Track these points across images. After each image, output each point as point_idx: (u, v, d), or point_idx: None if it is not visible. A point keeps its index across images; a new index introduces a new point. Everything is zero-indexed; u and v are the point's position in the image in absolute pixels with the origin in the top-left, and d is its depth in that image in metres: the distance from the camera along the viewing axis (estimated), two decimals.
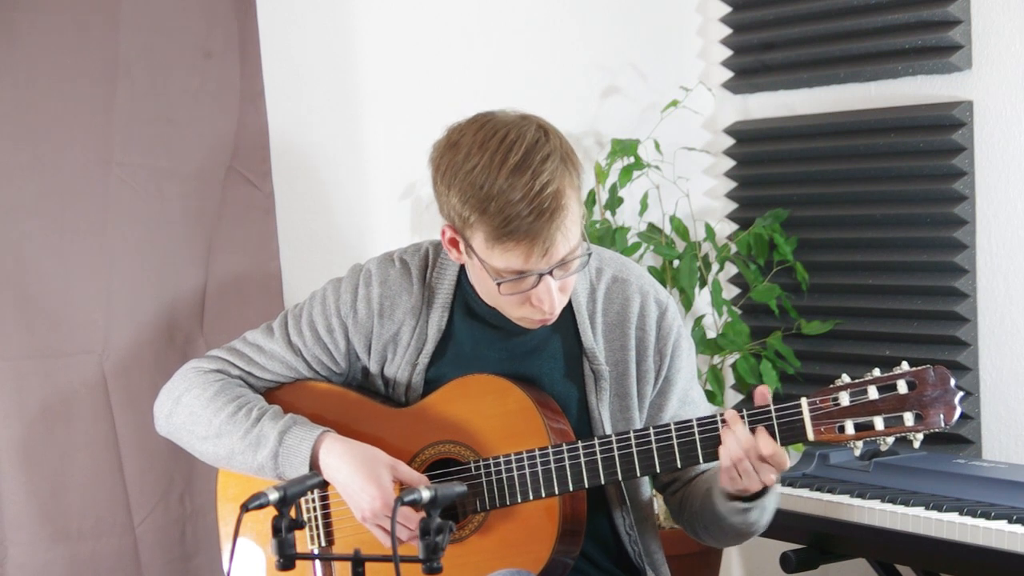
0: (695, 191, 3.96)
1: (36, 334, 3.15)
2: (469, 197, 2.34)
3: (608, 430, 2.53)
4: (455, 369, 2.56)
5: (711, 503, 2.46)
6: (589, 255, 2.43)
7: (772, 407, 2.36)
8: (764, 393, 2.40)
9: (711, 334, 3.86)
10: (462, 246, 2.43)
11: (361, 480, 2.45)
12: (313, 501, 2.61)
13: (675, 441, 2.40)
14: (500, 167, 2.33)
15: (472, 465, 2.50)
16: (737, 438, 2.35)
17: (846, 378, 2.35)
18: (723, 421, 2.38)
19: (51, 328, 3.17)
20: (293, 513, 2.07)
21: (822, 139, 3.79)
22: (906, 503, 2.91)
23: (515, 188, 2.31)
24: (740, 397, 3.92)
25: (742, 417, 2.37)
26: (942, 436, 3.49)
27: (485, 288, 2.47)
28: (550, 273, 2.37)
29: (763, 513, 2.47)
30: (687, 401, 2.60)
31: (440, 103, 3.62)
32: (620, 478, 2.44)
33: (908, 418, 2.31)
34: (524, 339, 2.55)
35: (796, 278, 3.78)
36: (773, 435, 2.36)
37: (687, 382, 2.60)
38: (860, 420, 2.33)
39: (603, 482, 2.44)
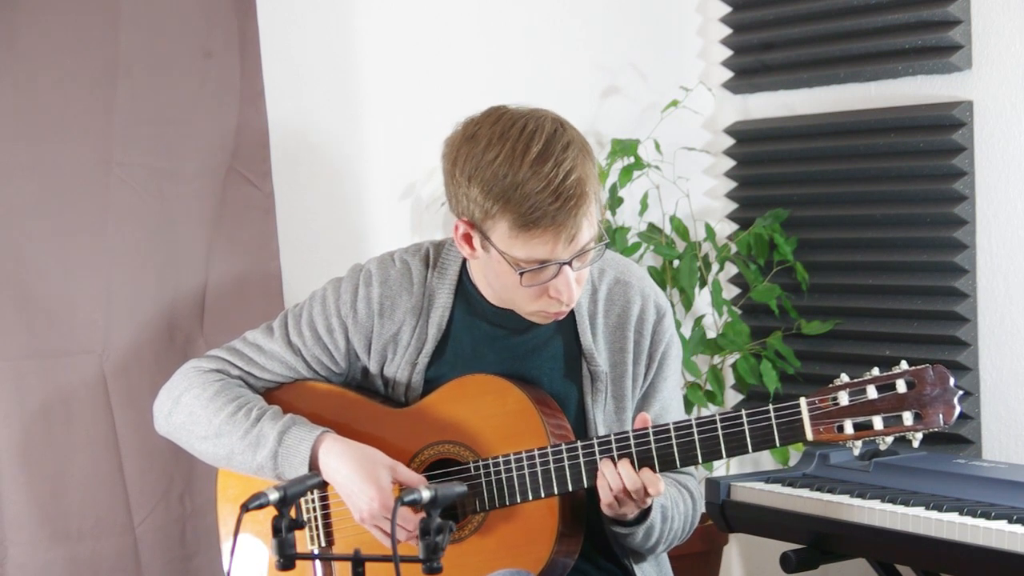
0: (695, 191, 3.96)
1: (36, 334, 3.15)
2: (492, 187, 2.34)
3: (601, 431, 2.53)
4: (455, 369, 2.56)
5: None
6: (607, 244, 2.44)
7: (771, 407, 2.37)
8: (644, 419, 2.42)
9: (711, 334, 3.86)
10: (478, 240, 2.43)
11: (360, 481, 2.45)
12: (313, 501, 2.61)
13: (674, 441, 2.40)
14: (523, 157, 2.33)
15: (471, 465, 2.50)
16: (608, 480, 2.38)
17: (845, 378, 2.35)
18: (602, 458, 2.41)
19: (51, 328, 3.17)
20: (293, 513, 2.07)
21: (822, 139, 3.79)
22: (906, 503, 2.91)
23: (539, 177, 2.32)
24: (740, 397, 3.92)
25: (611, 457, 2.40)
26: (942, 436, 3.49)
27: (500, 283, 2.47)
28: (569, 264, 2.37)
29: (650, 535, 2.50)
30: (668, 410, 2.60)
31: (440, 103, 3.62)
32: None
33: (907, 417, 2.31)
34: (524, 339, 2.55)
35: (796, 278, 3.78)
36: (634, 465, 2.39)
37: (671, 391, 2.61)
38: (859, 420, 2.32)
39: None
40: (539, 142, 2.34)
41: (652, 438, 2.41)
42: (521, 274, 2.39)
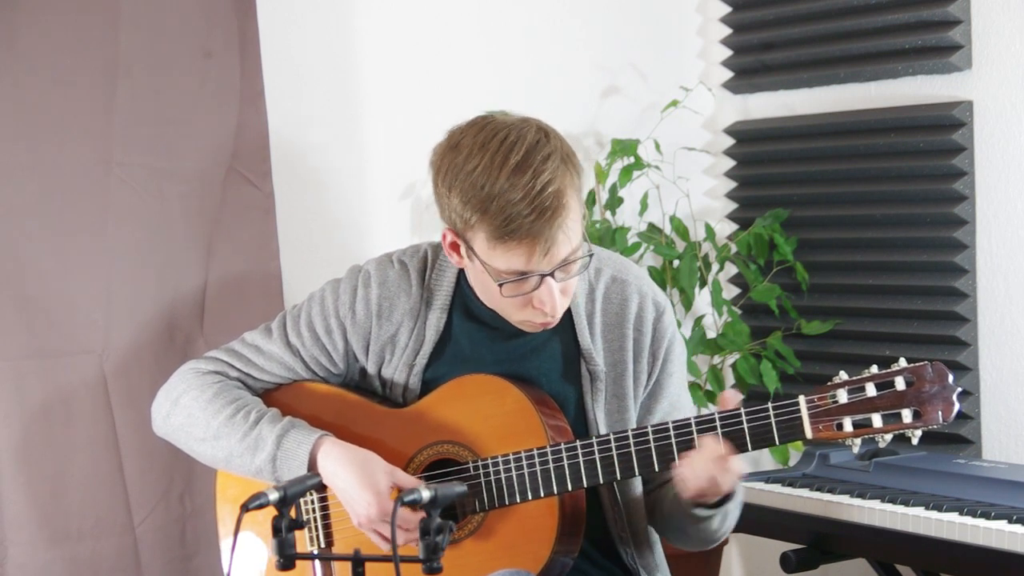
0: (695, 191, 3.96)
1: (36, 334, 3.15)
2: (470, 198, 2.34)
3: (603, 431, 2.53)
4: (453, 370, 2.55)
5: (680, 508, 2.48)
6: (591, 257, 2.43)
7: (771, 406, 2.37)
8: (730, 397, 2.41)
9: (711, 334, 3.86)
10: (463, 249, 2.42)
11: (358, 486, 2.44)
12: (312, 503, 2.61)
13: (673, 440, 2.40)
14: (501, 167, 2.33)
15: (471, 465, 2.49)
16: (705, 452, 2.36)
17: (844, 375, 2.35)
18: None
19: (51, 328, 3.17)
20: (293, 513, 2.07)
21: (822, 139, 3.79)
22: (906, 503, 2.91)
23: (516, 188, 2.32)
24: (740, 397, 3.91)
25: (713, 429, 2.38)
26: (942, 436, 3.49)
27: (487, 292, 2.47)
28: (551, 275, 2.37)
29: (725, 520, 2.48)
30: (677, 406, 2.60)
31: (440, 103, 3.62)
32: (619, 477, 2.44)
33: (906, 415, 2.31)
34: (522, 340, 2.55)
35: (796, 278, 3.78)
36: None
37: (678, 387, 2.61)
38: (858, 417, 2.32)
39: (602, 482, 2.44)
40: (519, 153, 2.33)
41: (651, 436, 2.41)
42: (501, 285, 2.39)
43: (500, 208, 2.32)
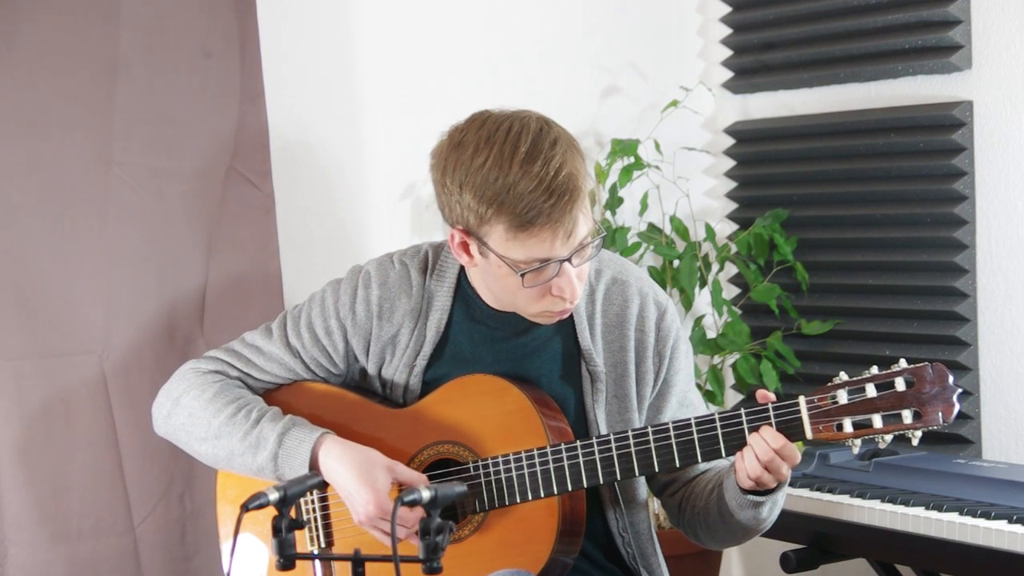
0: (695, 191, 3.96)
1: (36, 334, 3.15)
2: (484, 192, 2.35)
3: (603, 431, 2.53)
4: (453, 371, 2.55)
5: (719, 501, 2.46)
6: (603, 237, 2.44)
7: (771, 406, 2.37)
8: (765, 395, 2.41)
9: (711, 334, 3.86)
10: (475, 247, 2.42)
11: (356, 483, 2.45)
12: (313, 502, 2.61)
13: (673, 441, 2.40)
14: (511, 158, 2.34)
15: (471, 465, 2.49)
16: (765, 439, 2.35)
17: (844, 376, 2.35)
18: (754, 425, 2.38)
19: (51, 328, 3.17)
20: (293, 513, 2.07)
21: (822, 139, 3.79)
22: (906, 503, 2.91)
23: (530, 176, 2.33)
24: (740, 397, 3.92)
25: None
26: (942, 436, 3.49)
27: (501, 287, 2.46)
28: (569, 260, 2.38)
29: (773, 508, 2.47)
30: (685, 403, 2.60)
31: (440, 103, 3.62)
32: (619, 478, 2.44)
33: (906, 416, 2.31)
34: (523, 340, 2.55)
35: (796, 278, 3.78)
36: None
37: (685, 384, 2.61)
38: (858, 418, 2.32)
39: (602, 482, 2.44)
40: (526, 142, 2.35)
41: (651, 437, 2.41)
42: (523, 275, 2.38)
43: (517, 197, 2.33)
